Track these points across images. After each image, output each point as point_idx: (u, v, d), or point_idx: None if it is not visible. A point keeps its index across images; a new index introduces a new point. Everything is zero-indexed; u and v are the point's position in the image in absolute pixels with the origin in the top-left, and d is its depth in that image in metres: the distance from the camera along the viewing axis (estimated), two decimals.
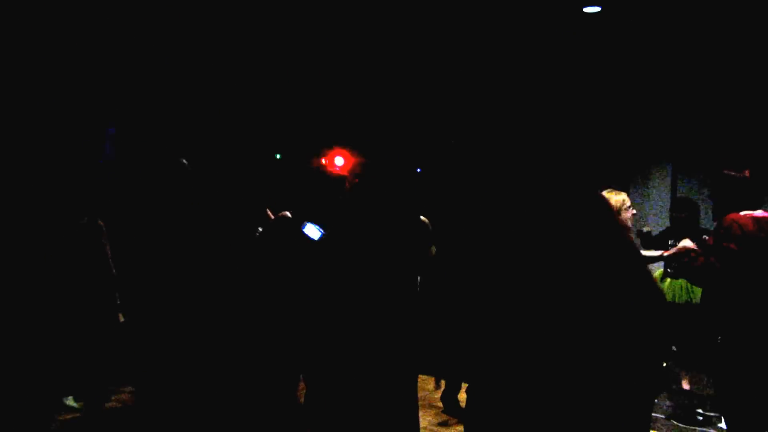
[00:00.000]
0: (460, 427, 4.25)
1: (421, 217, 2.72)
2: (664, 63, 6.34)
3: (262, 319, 3.08)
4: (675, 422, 4.44)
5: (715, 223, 3.17)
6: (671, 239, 4.87)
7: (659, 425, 4.26)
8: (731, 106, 6.37)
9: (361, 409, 2.47)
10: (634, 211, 3.49)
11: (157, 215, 3.32)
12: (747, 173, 3.07)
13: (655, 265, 4.41)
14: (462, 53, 6.61)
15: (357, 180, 2.72)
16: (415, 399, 2.68)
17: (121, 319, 3.79)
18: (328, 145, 7.49)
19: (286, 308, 3.08)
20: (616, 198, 3.33)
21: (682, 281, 4.64)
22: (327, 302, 2.55)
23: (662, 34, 5.81)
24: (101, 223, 3.70)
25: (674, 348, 4.38)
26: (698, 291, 4.74)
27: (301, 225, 3.07)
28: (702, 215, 4.97)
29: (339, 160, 7.75)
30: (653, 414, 2.73)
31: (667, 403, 4.71)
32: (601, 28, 5.87)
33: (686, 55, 6.15)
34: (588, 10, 5.54)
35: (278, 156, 8.41)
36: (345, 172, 7.82)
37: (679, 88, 6.66)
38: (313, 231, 3.08)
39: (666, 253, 3.46)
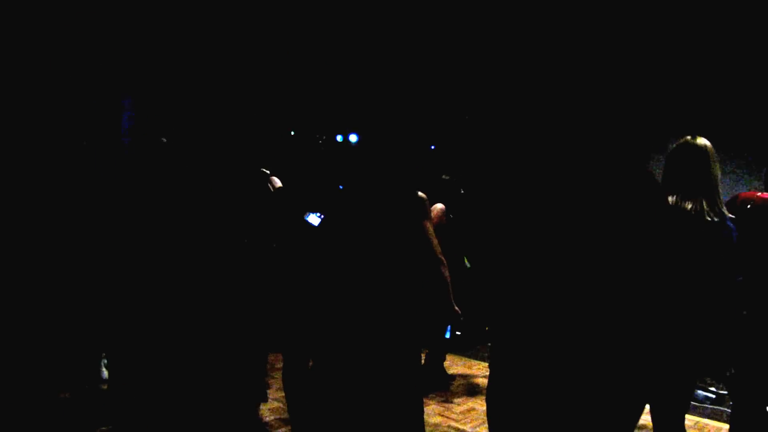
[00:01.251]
0: (442, 396, 4.33)
1: (419, 193, 2.74)
2: (683, 32, 6.21)
3: (254, 306, 3.07)
4: None
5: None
6: None
7: None
8: (754, 79, 6.23)
9: (363, 391, 2.53)
10: None
11: (135, 197, 3.29)
12: None
13: None
14: (474, 27, 6.53)
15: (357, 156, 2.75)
16: (417, 378, 2.72)
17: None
18: (344, 122, 7.48)
19: (282, 295, 3.08)
20: None
21: None
22: (324, 282, 2.59)
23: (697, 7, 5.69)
24: None
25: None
26: None
27: (305, 214, 3.08)
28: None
29: (354, 138, 7.76)
30: None
31: None
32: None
33: (705, 23, 6.01)
34: None
35: (292, 132, 8.42)
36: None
37: (699, 59, 6.52)
38: (315, 220, 3.09)
39: None
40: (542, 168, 2.06)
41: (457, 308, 2.75)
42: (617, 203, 1.90)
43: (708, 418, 4.18)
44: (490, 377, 2.13)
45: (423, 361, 4.88)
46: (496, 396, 2.06)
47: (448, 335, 4.66)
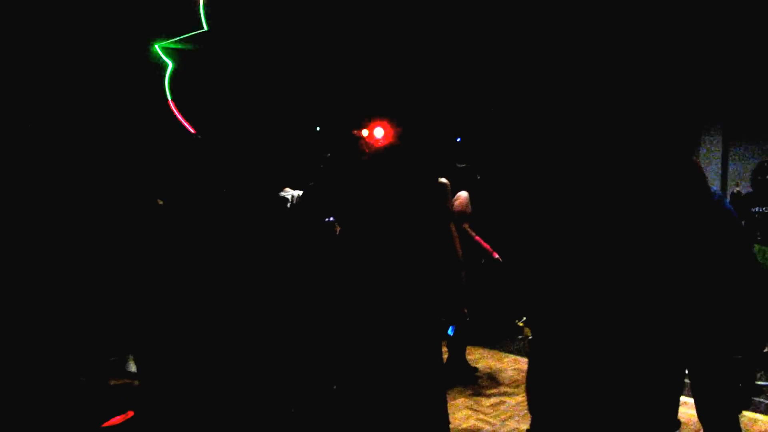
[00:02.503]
0: (470, 389, 4.32)
1: (441, 179, 2.74)
2: (713, 18, 6.06)
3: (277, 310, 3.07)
4: None
5: None
6: (758, 206, 4.66)
7: None
8: None
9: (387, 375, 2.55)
10: None
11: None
12: None
13: None
14: (498, 19, 6.47)
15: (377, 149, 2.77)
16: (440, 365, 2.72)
17: None
18: (369, 116, 7.47)
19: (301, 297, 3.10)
20: None
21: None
22: (348, 274, 2.61)
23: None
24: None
25: None
26: None
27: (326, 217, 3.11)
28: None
29: (379, 132, 7.74)
30: None
31: None
32: None
33: (736, 8, 5.85)
34: None
35: (318, 129, 8.45)
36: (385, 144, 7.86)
37: (730, 45, 6.36)
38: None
39: None
40: (575, 162, 2.05)
41: (464, 309, 2.79)
42: (655, 195, 1.88)
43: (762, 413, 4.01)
44: (530, 366, 2.13)
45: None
46: (536, 384, 2.08)
47: (451, 333, 4.69)
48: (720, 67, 6.50)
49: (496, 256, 4.67)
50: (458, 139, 8.67)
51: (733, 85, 6.48)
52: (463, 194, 4.64)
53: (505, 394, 4.35)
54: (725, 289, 2.27)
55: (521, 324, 6.11)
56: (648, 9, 6.10)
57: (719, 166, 6.94)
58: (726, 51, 6.37)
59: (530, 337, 3.61)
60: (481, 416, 3.90)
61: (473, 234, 4.58)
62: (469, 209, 4.59)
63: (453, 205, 4.46)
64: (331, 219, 3.15)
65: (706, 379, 2.41)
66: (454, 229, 2.70)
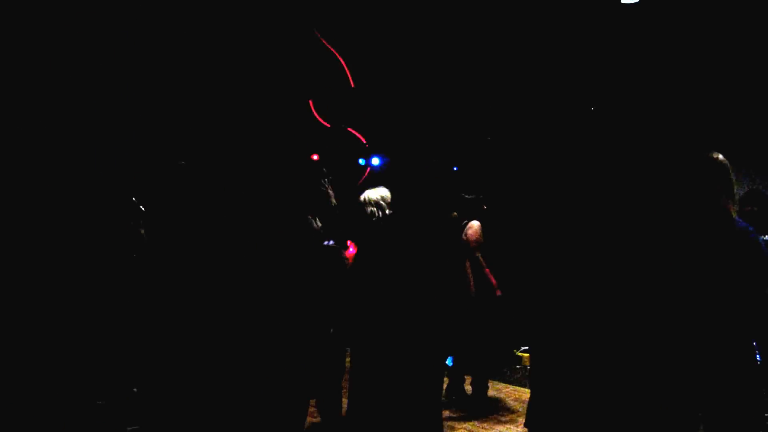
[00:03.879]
0: (470, 420, 4.26)
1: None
2: (709, 51, 6.14)
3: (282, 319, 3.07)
4: None
5: None
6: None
7: None
8: None
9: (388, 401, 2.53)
10: None
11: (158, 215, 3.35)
12: None
13: None
14: (498, 47, 6.56)
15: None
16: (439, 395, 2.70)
17: None
18: (366, 144, 7.52)
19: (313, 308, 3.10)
20: None
21: None
22: (363, 302, 2.60)
23: (705, 25, 5.65)
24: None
25: None
26: None
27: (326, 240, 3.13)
28: None
29: (376, 161, 7.80)
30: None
31: None
32: (639, 21, 5.75)
33: (733, 43, 5.94)
34: (625, 1, 5.45)
35: (316, 156, 8.48)
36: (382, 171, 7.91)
37: (730, 76, 6.42)
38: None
39: None
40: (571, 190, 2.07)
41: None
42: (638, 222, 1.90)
43: None
44: (531, 400, 2.11)
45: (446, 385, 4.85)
46: (538, 416, 2.06)
47: (450, 363, 4.68)
48: (720, 99, 6.57)
49: (499, 293, 4.55)
50: (455, 168, 8.71)
51: (735, 117, 6.53)
52: (475, 223, 4.63)
53: (504, 423, 4.30)
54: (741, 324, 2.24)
55: (520, 354, 6.08)
56: (651, 46, 6.20)
57: None
58: (725, 84, 6.45)
59: (529, 367, 3.60)
60: None
61: (484, 264, 4.51)
62: (482, 238, 4.59)
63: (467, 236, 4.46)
64: (331, 242, 3.15)
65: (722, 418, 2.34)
66: (468, 264, 2.71)
